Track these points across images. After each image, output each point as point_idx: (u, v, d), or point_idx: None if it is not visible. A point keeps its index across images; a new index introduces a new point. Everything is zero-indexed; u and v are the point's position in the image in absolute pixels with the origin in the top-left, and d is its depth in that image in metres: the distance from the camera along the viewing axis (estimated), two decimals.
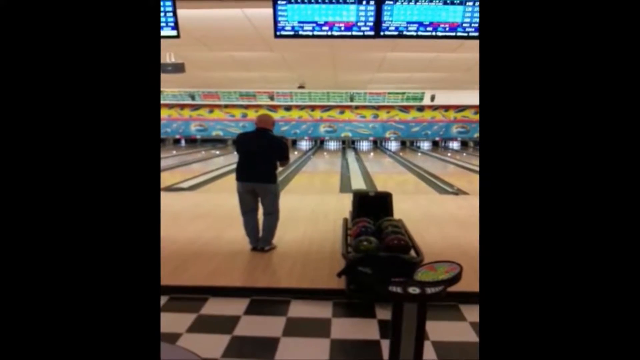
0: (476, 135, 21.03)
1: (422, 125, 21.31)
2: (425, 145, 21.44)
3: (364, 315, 3.08)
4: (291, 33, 3.61)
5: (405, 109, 20.90)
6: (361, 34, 3.57)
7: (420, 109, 20.88)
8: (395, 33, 3.52)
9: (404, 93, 18.30)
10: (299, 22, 3.59)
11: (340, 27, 3.56)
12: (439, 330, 2.89)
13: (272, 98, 19.14)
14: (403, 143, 21.51)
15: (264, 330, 2.89)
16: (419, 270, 1.88)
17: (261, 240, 4.31)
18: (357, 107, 20.86)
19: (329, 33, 3.57)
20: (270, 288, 3.50)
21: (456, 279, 1.87)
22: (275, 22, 3.59)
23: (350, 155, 16.72)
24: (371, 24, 3.52)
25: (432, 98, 17.52)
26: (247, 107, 21.06)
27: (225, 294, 3.41)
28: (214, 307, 3.23)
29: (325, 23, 3.56)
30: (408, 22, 3.50)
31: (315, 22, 3.57)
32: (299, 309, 3.20)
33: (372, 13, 3.50)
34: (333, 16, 3.55)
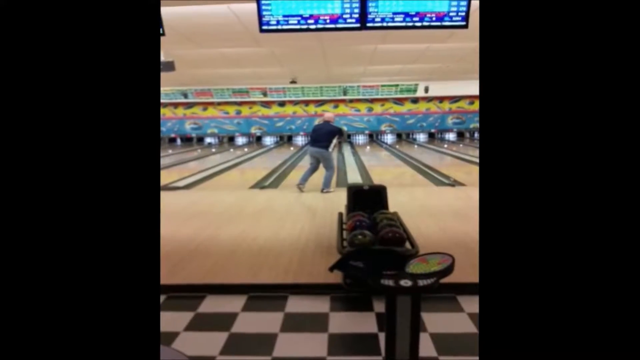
0: (472, 125, 21.03)
1: (417, 117, 21.28)
2: (422, 137, 21.43)
3: (362, 309, 3.08)
4: (276, 27, 3.58)
5: (399, 101, 20.86)
6: (347, 26, 3.54)
7: (415, 100, 20.84)
8: (382, 24, 3.50)
9: (397, 85, 18.27)
10: (284, 16, 3.56)
11: (325, 20, 3.53)
12: (436, 321, 2.89)
13: (265, 94, 19.08)
14: (399, 135, 21.48)
15: (262, 327, 2.89)
16: (411, 263, 1.87)
17: (322, 185, 7.30)
18: (351, 101, 20.80)
19: (315, 26, 3.54)
20: (267, 284, 3.50)
21: (448, 270, 1.86)
22: (260, 16, 3.56)
23: (347, 150, 16.70)
24: (357, 15, 3.50)
25: (426, 89, 17.50)
26: (240, 103, 20.99)
27: (222, 292, 3.40)
28: (211, 305, 3.23)
29: (311, 16, 3.53)
30: (394, 13, 3.47)
31: (301, 16, 3.54)
32: (296, 304, 3.20)
33: (357, 5, 3.47)
34: (318, 9, 3.52)
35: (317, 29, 3.57)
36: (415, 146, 18.53)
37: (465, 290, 3.23)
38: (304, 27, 3.56)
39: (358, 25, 3.54)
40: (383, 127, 21.42)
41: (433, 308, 3.05)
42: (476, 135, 20.93)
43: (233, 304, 3.21)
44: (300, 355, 2.55)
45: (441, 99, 20.77)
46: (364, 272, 1.91)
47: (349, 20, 3.54)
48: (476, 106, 20.75)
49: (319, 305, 3.16)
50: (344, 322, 2.95)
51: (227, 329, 2.86)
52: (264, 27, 3.61)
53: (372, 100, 20.80)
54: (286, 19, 3.57)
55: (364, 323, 2.90)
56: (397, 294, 1.81)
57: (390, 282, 1.78)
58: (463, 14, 3.48)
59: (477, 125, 20.84)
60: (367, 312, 3.03)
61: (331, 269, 1.95)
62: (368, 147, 18.64)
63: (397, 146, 18.35)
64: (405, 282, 1.77)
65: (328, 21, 3.54)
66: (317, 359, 2.51)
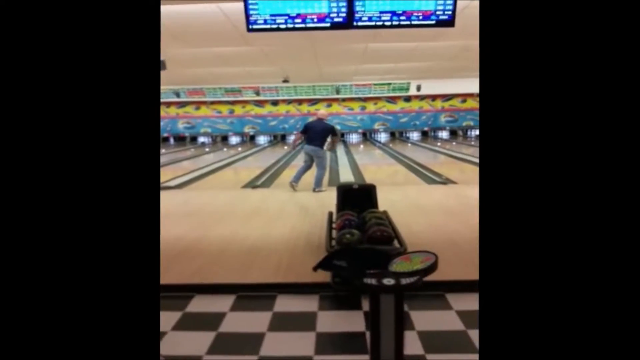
0: (465, 123, 21.10)
1: (410, 116, 21.32)
2: (415, 135, 21.46)
3: (350, 308, 3.08)
4: (264, 27, 3.57)
5: (392, 99, 20.89)
6: (334, 24, 3.54)
7: (408, 99, 20.88)
8: (369, 23, 3.50)
9: (389, 84, 18.29)
10: (271, 15, 3.55)
11: (313, 19, 3.53)
12: (424, 319, 2.89)
13: (257, 93, 19.04)
14: (392, 134, 21.51)
15: (250, 326, 2.88)
16: (395, 261, 1.87)
17: (314, 184, 7.18)
18: (344, 100, 20.81)
19: (302, 25, 3.54)
20: (256, 284, 3.49)
21: (432, 268, 1.86)
22: (247, 15, 3.55)
23: (340, 149, 16.70)
24: (344, 14, 3.50)
25: (418, 88, 17.53)
26: (233, 102, 20.95)
27: (211, 292, 3.39)
28: (199, 304, 3.22)
29: (298, 15, 3.53)
30: (381, 12, 3.48)
31: (288, 15, 3.54)
32: (285, 304, 3.20)
33: (344, 3, 3.47)
34: (305, 8, 3.51)
35: (304, 28, 3.57)
36: (409, 144, 18.56)
37: (455, 288, 3.24)
38: (292, 26, 3.55)
39: (345, 24, 3.54)
40: (376, 126, 21.44)
41: (421, 306, 3.06)
42: (469, 133, 21.01)
43: (221, 303, 3.20)
44: (287, 354, 2.55)
45: (434, 98, 20.81)
46: (347, 271, 1.91)
47: (336, 19, 3.54)
48: (468, 104, 20.83)
49: (307, 304, 3.16)
50: (332, 321, 2.95)
51: (214, 328, 2.85)
52: (251, 27, 3.60)
53: (365, 99, 20.82)
54: (273, 18, 3.56)
55: (352, 322, 2.90)
56: (380, 292, 1.81)
57: (373, 281, 1.77)
58: (450, 12, 3.50)
59: (470, 123, 20.92)
60: (356, 311, 3.03)
61: (315, 268, 1.95)
62: (362, 146, 18.66)
63: (391, 145, 18.37)
64: (388, 281, 1.77)
65: (315, 20, 3.54)
66: (304, 358, 2.51)
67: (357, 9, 3.48)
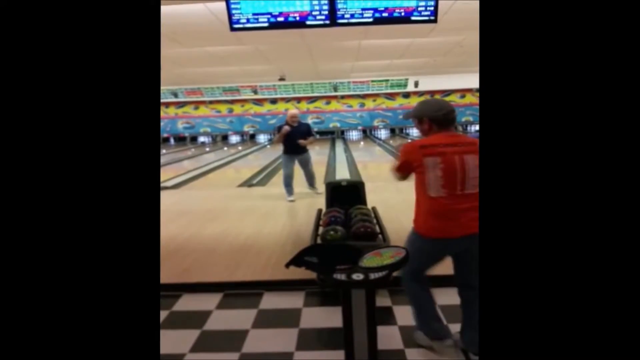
0: (464, 119, 21.04)
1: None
2: (415, 131, 21.35)
3: (334, 304, 3.09)
4: (246, 25, 3.59)
5: (391, 96, 20.84)
6: (317, 23, 3.55)
7: (406, 95, 20.82)
8: (351, 20, 3.52)
9: (387, 80, 18.24)
10: (254, 14, 3.56)
11: (295, 17, 3.54)
12: (406, 314, 2.90)
13: (255, 92, 19.04)
14: (392, 131, 21.46)
15: (234, 324, 2.91)
16: (365, 257, 1.89)
17: (309, 184, 7.02)
18: (343, 97, 20.77)
19: (285, 23, 3.55)
20: (243, 282, 3.52)
21: (401, 263, 1.87)
22: (230, 15, 3.57)
23: (339, 146, 16.68)
24: (326, 12, 3.51)
25: (416, 84, 17.48)
26: (232, 102, 20.95)
27: (199, 290, 3.42)
28: (186, 303, 3.25)
29: (280, 14, 3.54)
30: (363, 9, 3.49)
31: (270, 13, 3.55)
32: (271, 301, 3.23)
33: (326, 1, 3.48)
34: (287, 6, 3.53)
35: (287, 26, 3.58)
36: (409, 141, 18.49)
37: (440, 283, 3.24)
38: (274, 24, 3.57)
39: (328, 22, 3.55)
40: (376, 123, 21.40)
41: (405, 301, 3.07)
42: (468, 128, 20.96)
43: (208, 302, 3.23)
44: (269, 350, 2.57)
45: (432, 93, 20.74)
46: (318, 267, 1.93)
47: (318, 17, 3.55)
48: (467, 99, 20.77)
49: (293, 301, 3.18)
50: (316, 317, 2.97)
51: (199, 326, 2.87)
52: (235, 26, 3.62)
53: (364, 96, 20.77)
54: (256, 17, 3.57)
55: (335, 318, 2.91)
56: (350, 287, 1.83)
57: (342, 277, 1.79)
58: (432, 8, 3.50)
59: (469, 118, 20.87)
60: (340, 307, 3.03)
61: (287, 265, 1.97)
62: (362, 143, 18.64)
63: (391, 141, 18.33)
64: (357, 276, 1.79)
65: (298, 18, 3.55)
66: (284, 353, 2.53)
67: (339, 6, 3.49)
